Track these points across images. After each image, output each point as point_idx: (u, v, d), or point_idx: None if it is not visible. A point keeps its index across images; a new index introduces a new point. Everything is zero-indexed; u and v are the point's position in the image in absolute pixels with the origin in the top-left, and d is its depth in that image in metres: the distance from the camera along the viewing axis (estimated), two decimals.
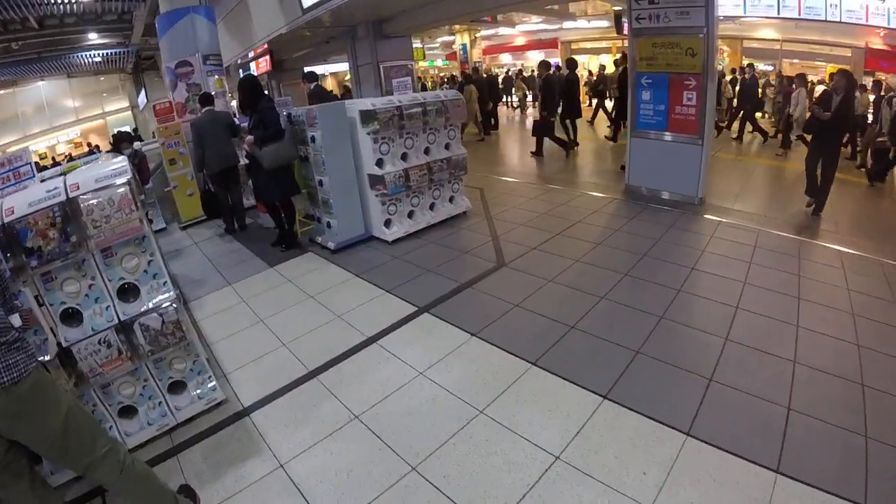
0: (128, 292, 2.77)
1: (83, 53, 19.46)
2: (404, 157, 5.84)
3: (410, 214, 6.01)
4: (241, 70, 18.57)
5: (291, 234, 6.02)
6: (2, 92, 23.79)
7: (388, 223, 5.82)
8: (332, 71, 20.86)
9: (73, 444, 1.93)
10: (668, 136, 6.75)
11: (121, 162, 2.66)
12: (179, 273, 5.71)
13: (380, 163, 5.61)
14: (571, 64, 11.02)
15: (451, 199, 6.45)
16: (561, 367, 3.22)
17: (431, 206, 6.22)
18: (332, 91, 16.31)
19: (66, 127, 25.64)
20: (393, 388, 3.15)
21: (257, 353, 3.75)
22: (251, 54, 16.58)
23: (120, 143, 7.27)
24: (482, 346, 3.53)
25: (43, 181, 2.74)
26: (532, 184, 8.28)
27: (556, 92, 10.17)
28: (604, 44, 22.09)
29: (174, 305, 2.79)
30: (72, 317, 2.66)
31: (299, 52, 17.52)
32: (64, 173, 2.87)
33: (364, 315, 4.16)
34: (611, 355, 3.33)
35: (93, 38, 18.58)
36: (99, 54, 19.51)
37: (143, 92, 24.54)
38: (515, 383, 3.10)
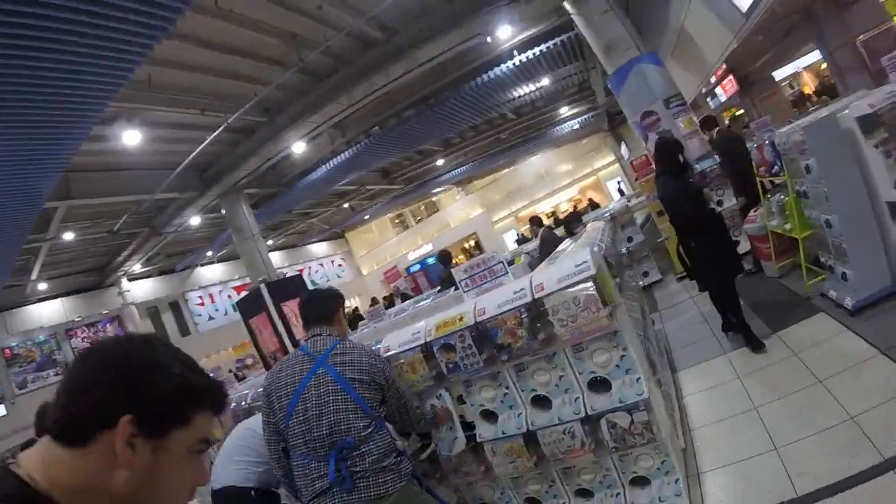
0: (599, 385, 2.93)
1: (561, 126, 22.76)
2: None
3: None
4: (708, 99, 18.29)
5: (744, 327, 4.85)
6: (505, 171, 30.35)
7: None
8: (804, 65, 18.25)
9: None
10: None
11: (584, 258, 2.84)
12: (672, 333, 5.82)
13: None
14: None
15: None
16: None
17: None
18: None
19: (564, 188, 30.49)
20: None
21: (741, 453, 3.35)
22: (713, 80, 16.18)
23: (570, 224, 7.50)
24: None
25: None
26: None
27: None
28: None
29: (644, 407, 2.80)
30: (541, 402, 3.04)
31: (762, 59, 16.13)
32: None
33: (886, 420, 3.04)
34: None
35: (564, 111, 21.72)
36: (576, 122, 22.51)
37: (622, 144, 27.09)
38: None
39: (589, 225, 6.67)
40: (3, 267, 10.55)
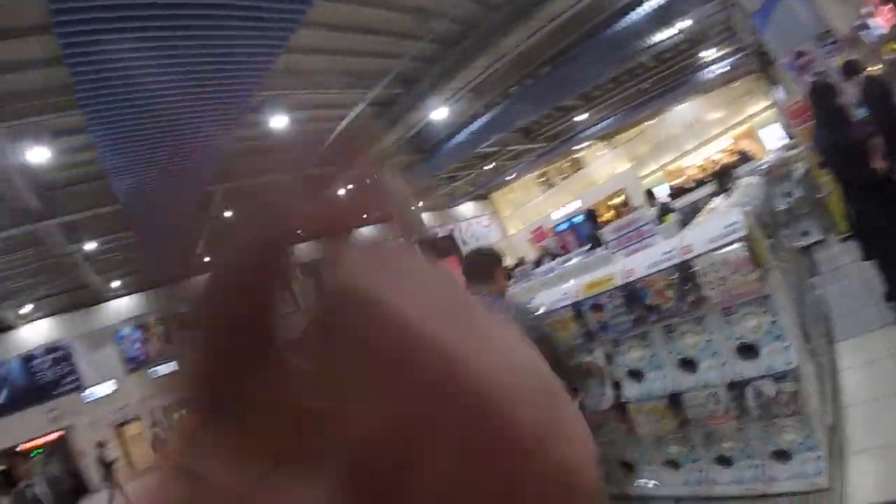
0: (747, 351, 2.89)
1: (707, 70, 21.35)
2: None
3: None
4: (860, 33, 16.16)
5: None
6: (651, 122, 28.72)
7: None
8: None
9: None
10: None
11: (735, 219, 2.82)
12: (833, 300, 5.32)
13: None
14: None
15: None
16: None
17: None
18: None
19: (716, 137, 28.18)
20: None
21: (888, 437, 3.08)
22: (868, 9, 14.26)
23: (721, 179, 7.04)
24: None
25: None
26: None
27: None
28: None
29: (792, 377, 2.73)
30: (688, 365, 3.06)
31: None
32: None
33: None
34: None
35: (710, 54, 20.32)
36: (724, 65, 20.97)
37: (779, 87, 24.65)
38: None
39: (742, 180, 6.30)
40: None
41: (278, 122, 10.68)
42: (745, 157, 18.98)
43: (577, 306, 3.34)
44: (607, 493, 3.04)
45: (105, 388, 18.00)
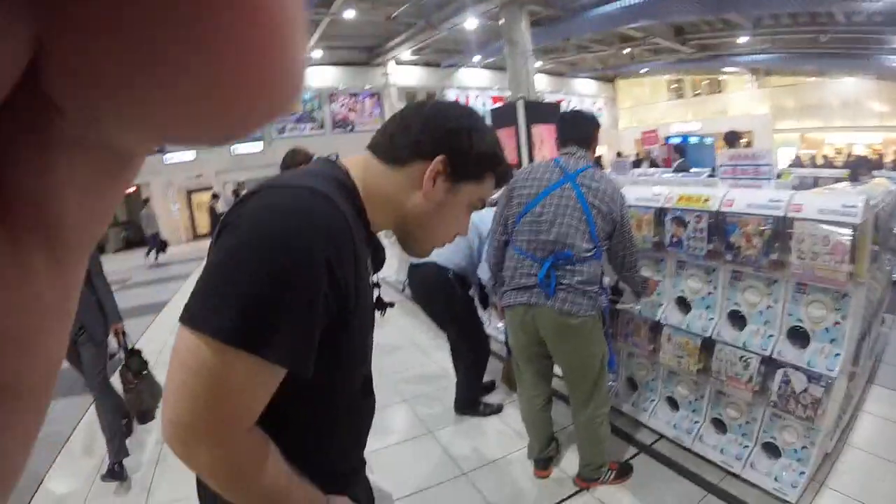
0: (798, 337, 2.74)
1: (891, 57, 18.97)
2: None
3: None
4: None
5: None
6: (811, 80, 26.16)
7: None
8: None
9: (583, 381, 2.89)
10: None
11: (856, 203, 2.50)
12: (894, 344, 4.97)
13: None
14: None
15: None
16: None
17: None
18: None
19: (867, 130, 25.45)
20: None
21: (867, 495, 2.87)
22: None
23: (857, 167, 6.37)
24: None
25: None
26: None
27: None
28: None
29: (825, 384, 2.57)
30: (736, 319, 2.99)
31: None
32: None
33: None
34: None
35: None
36: None
37: None
38: None
39: (877, 179, 5.76)
40: None
41: None
42: (881, 161, 17.33)
43: (660, 212, 3.18)
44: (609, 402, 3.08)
45: (186, 155, 19.62)
